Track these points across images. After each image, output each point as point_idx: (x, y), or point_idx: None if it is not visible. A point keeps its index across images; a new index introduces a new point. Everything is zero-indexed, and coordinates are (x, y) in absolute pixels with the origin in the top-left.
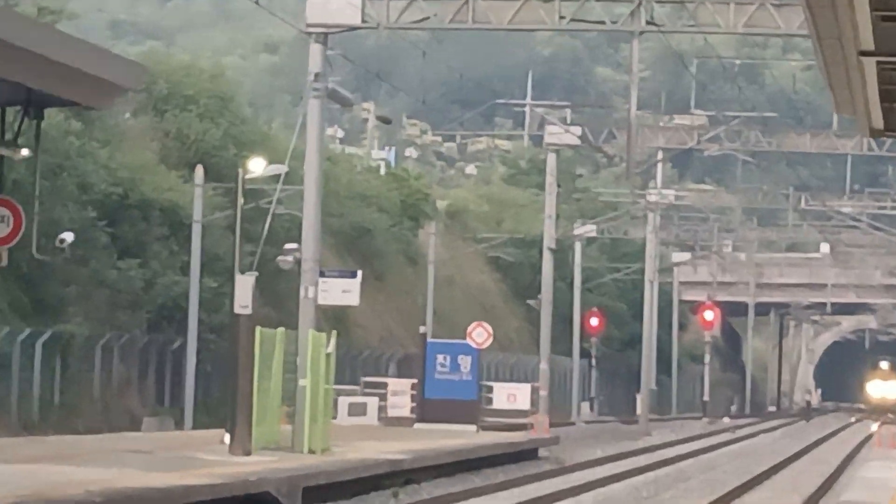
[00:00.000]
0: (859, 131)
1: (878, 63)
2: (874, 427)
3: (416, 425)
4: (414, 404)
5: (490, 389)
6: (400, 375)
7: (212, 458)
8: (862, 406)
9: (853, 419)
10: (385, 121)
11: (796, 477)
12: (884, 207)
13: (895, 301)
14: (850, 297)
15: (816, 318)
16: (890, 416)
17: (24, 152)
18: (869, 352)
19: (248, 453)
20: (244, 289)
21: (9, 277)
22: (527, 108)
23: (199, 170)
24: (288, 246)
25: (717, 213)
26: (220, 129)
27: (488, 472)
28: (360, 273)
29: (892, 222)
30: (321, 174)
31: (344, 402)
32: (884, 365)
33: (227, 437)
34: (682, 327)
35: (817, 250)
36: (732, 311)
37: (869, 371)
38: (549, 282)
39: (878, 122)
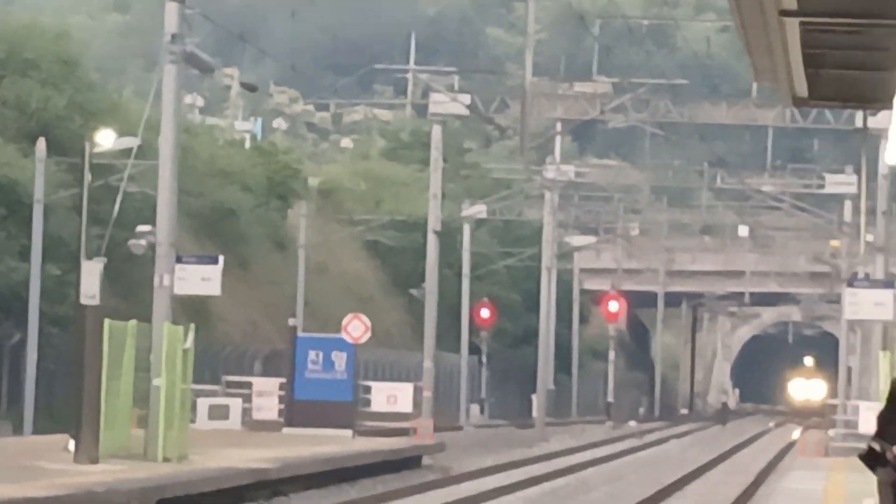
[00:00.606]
0: (781, 100)
1: (802, 24)
2: (796, 434)
3: (285, 430)
4: (282, 406)
5: (368, 390)
6: (266, 374)
7: (54, 466)
8: (783, 409)
9: (771, 424)
10: (250, 88)
11: (711, 488)
12: (809, 186)
13: (821, 291)
14: (772, 287)
15: (734, 309)
16: (815, 419)
17: None
18: (792, 347)
19: (94, 461)
20: (91, 276)
21: None
22: (409, 75)
23: (41, 143)
24: (140, 228)
25: (623, 191)
26: (64, 97)
27: (365, 483)
28: (221, 259)
29: (818, 202)
30: (177, 148)
31: (203, 403)
32: (807, 361)
33: (71, 444)
34: (583, 320)
35: (735, 234)
36: (640, 301)
37: (790, 369)
38: (434, 269)
39: (802, 90)
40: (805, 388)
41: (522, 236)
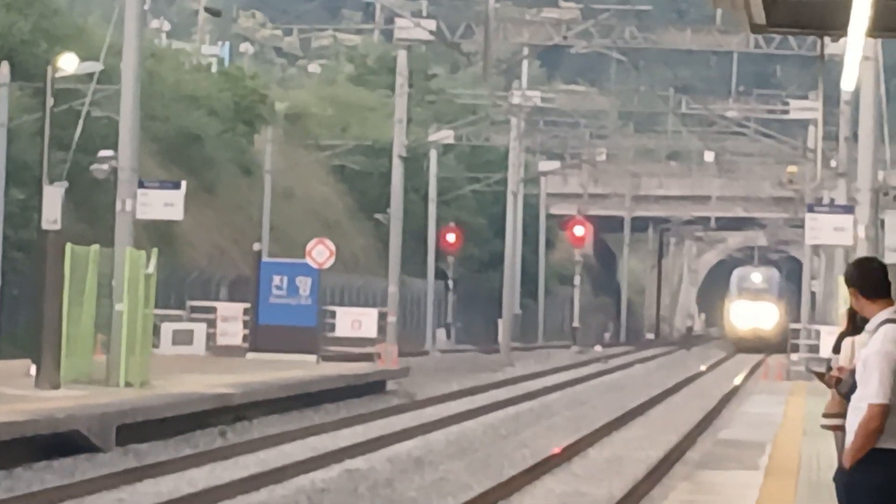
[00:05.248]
0: (740, 27)
1: None
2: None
3: (249, 355)
4: (247, 332)
5: (332, 315)
6: (232, 299)
7: (15, 392)
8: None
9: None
10: (214, 13)
11: (673, 413)
12: (773, 111)
13: (786, 215)
14: (737, 212)
15: (700, 234)
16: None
17: None
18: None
19: (56, 387)
20: (52, 201)
21: None
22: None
23: (5, 67)
24: (103, 153)
25: (589, 117)
26: (29, 22)
27: (329, 408)
28: (184, 184)
29: (782, 128)
30: (139, 72)
31: (167, 329)
32: (755, 278)
33: (32, 369)
34: (549, 245)
35: (700, 159)
36: (606, 226)
37: (733, 289)
38: (400, 194)
39: (760, 17)
40: (750, 313)
41: (489, 161)
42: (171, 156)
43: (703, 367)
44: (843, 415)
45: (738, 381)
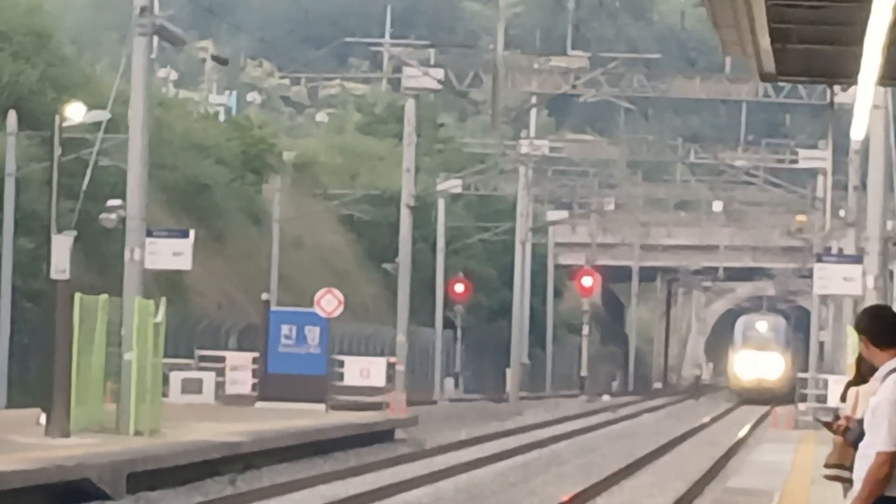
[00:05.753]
0: (751, 75)
1: None
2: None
3: (258, 404)
4: (256, 380)
5: (341, 364)
6: (241, 348)
7: (26, 440)
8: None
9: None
10: (221, 61)
11: (682, 461)
12: (782, 161)
13: (795, 265)
14: (746, 261)
15: (708, 284)
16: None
17: None
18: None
19: (66, 435)
20: (61, 251)
21: None
22: (383, 48)
23: (13, 116)
24: (111, 202)
25: (598, 166)
26: (36, 71)
27: (338, 456)
28: (192, 233)
29: (791, 177)
30: (147, 121)
31: (176, 377)
32: (760, 327)
33: (43, 418)
34: (557, 294)
35: (709, 209)
36: (614, 276)
37: (738, 338)
38: (408, 243)
39: (770, 66)
40: (755, 363)
41: (498, 210)
42: (180, 205)
43: (708, 418)
44: (844, 465)
45: (746, 430)
